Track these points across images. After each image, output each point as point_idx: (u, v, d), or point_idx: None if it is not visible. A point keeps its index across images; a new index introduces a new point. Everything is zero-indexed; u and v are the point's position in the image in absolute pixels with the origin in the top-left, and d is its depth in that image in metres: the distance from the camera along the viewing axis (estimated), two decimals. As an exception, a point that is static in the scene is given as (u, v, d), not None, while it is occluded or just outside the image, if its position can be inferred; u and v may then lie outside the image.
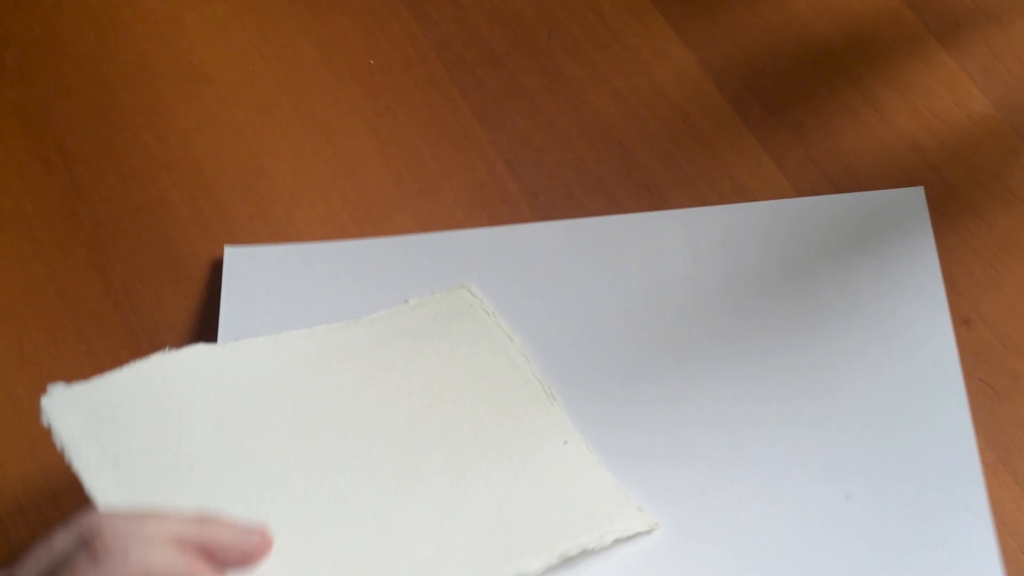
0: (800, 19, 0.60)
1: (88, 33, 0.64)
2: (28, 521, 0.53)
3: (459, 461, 0.50)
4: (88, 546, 0.39)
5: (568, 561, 0.47)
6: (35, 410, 0.54)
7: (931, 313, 0.52)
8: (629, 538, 0.49)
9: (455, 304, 0.55)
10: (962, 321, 0.53)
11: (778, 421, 0.51)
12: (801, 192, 0.57)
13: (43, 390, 0.55)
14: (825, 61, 0.59)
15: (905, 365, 0.52)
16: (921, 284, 0.53)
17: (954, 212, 0.55)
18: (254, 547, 0.43)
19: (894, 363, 0.52)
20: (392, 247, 0.57)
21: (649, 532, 0.49)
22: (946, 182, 0.56)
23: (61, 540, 0.40)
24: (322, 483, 0.48)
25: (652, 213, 0.57)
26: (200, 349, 0.51)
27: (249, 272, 0.57)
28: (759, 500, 0.50)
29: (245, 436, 0.49)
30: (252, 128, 0.61)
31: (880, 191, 0.56)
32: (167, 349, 0.50)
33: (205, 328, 0.56)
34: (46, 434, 0.54)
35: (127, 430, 0.48)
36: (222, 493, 0.47)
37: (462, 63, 0.61)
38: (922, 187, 0.55)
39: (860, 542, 0.48)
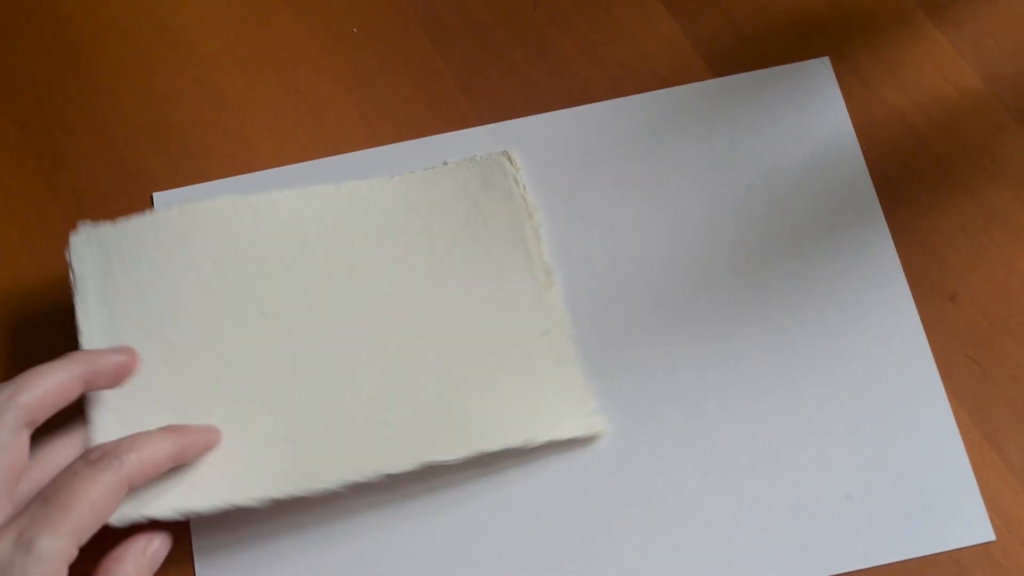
0: (789, -9, 0.60)
1: (67, -3, 0.63)
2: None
3: (428, 336, 0.52)
4: None
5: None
6: (7, 376, 0.54)
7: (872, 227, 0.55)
8: (570, 440, 0.51)
9: (489, 173, 0.56)
10: (948, 297, 0.53)
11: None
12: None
13: (16, 361, 0.55)
14: (814, 35, 0.59)
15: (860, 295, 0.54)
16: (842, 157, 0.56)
17: (941, 186, 0.55)
18: (120, 365, 0.51)
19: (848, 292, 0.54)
20: (308, 171, 0.58)
21: (591, 439, 0.51)
22: (934, 156, 0.55)
23: None
24: (299, 340, 0.53)
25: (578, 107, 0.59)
26: (225, 200, 0.55)
27: None
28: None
29: (238, 289, 0.53)
30: (234, 96, 0.60)
31: (789, 65, 0.59)
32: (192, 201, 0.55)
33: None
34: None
35: (129, 273, 0.53)
36: (201, 342, 0.52)
37: (447, 32, 0.60)
38: (827, 57, 0.58)
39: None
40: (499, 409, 0.51)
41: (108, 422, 0.51)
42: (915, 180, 0.55)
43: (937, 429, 0.51)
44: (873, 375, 0.52)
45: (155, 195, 0.58)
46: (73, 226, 0.57)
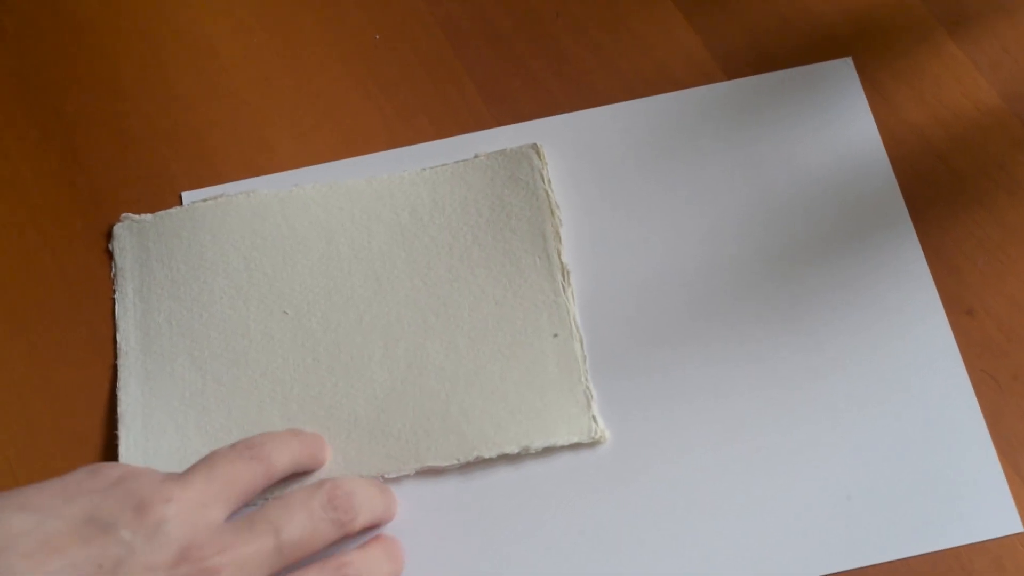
0: (809, 6, 0.60)
1: (90, 0, 0.63)
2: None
3: (440, 338, 0.53)
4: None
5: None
6: (27, 375, 0.54)
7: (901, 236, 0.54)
8: (570, 446, 0.51)
9: (516, 167, 0.57)
10: (965, 311, 0.53)
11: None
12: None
13: (35, 360, 0.55)
14: (833, 49, 0.59)
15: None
16: (869, 163, 0.56)
17: (959, 202, 0.55)
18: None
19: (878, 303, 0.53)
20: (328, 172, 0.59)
21: (591, 445, 0.51)
22: (952, 172, 0.56)
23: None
24: (318, 342, 0.54)
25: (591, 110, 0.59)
26: (258, 195, 0.57)
27: None
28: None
29: (264, 288, 0.55)
30: (254, 101, 0.60)
31: (811, 65, 0.59)
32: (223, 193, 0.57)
33: (203, 300, 0.56)
34: (41, 403, 0.53)
35: (164, 268, 0.56)
36: (225, 341, 0.54)
37: (468, 41, 0.61)
38: (850, 57, 0.58)
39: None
40: (500, 414, 0.52)
41: (135, 414, 0.53)
42: (933, 194, 0.55)
43: (963, 422, 0.51)
44: (900, 369, 0.52)
45: (184, 194, 0.58)
46: (93, 227, 0.57)
